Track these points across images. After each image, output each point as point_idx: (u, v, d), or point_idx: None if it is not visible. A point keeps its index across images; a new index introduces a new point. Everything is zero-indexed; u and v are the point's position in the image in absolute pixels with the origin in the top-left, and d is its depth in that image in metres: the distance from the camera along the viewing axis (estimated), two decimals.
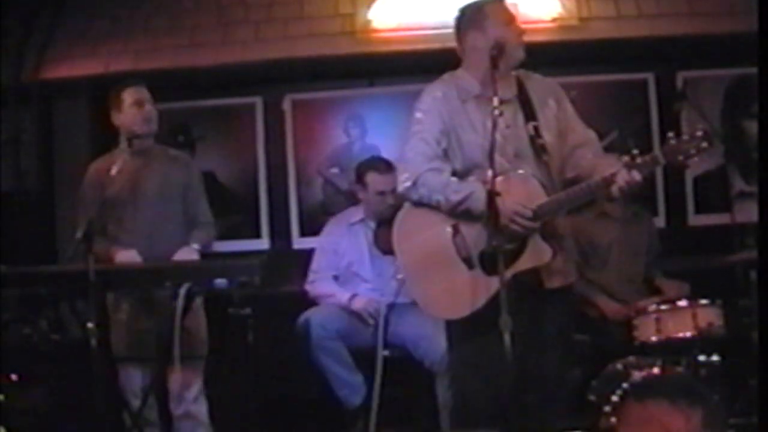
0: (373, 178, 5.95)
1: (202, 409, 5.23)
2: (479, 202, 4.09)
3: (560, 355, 4.36)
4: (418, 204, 4.34)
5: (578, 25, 6.76)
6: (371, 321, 5.73)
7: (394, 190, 5.66)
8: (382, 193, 5.88)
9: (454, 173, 4.31)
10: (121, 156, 5.24)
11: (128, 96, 5.29)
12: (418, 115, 4.38)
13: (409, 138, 4.38)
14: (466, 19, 4.42)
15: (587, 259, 6.01)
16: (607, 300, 5.92)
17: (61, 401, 5.08)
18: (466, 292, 4.22)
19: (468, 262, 4.24)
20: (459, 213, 4.23)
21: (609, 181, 4.04)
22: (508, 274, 3.94)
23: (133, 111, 5.28)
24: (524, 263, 4.12)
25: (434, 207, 4.28)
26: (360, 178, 6.04)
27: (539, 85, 4.43)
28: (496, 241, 3.93)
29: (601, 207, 6.12)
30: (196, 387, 5.21)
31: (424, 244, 4.35)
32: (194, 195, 5.45)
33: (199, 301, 5.23)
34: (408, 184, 4.30)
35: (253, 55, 6.77)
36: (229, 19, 6.91)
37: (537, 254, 4.14)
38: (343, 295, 5.85)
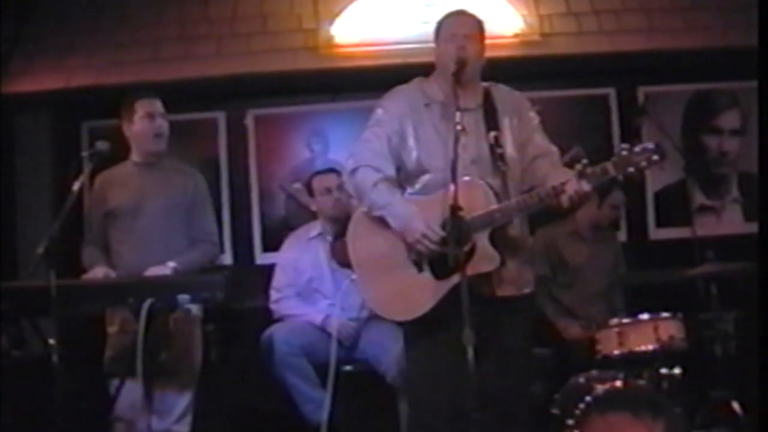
0: (316, 180, 6.07)
1: (184, 429, 5.17)
2: (394, 216, 4.20)
3: (519, 366, 4.33)
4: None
5: (540, 41, 6.81)
6: (346, 343, 5.74)
7: (339, 187, 5.74)
8: (327, 191, 5.97)
9: (405, 174, 4.35)
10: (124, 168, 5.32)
11: (140, 107, 5.26)
12: (379, 111, 4.43)
13: (362, 134, 4.44)
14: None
15: (555, 275, 6.05)
16: (568, 322, 5.95)
17: (22, 418, 5.03)
18: (415, 295, 4.23)
19: (418, 265, 4.25)
20: (374, 216, 4.28)
21: (558, 190, 4.04)
22: (455, 279, 3.96)
23: (144, 123, 5.25)
24: (470, 269, 4.00)
25: None
26: (308, 189, 6.14)
27: (506, 96, 4.45)
28: (449, 247, 3.95)
29: (573, 226, 6.17)
30: (182, 405, 5.16)
31: (377, 244, 4.36)
32: (199, 211, 5.39)
33: (196, 317, 5.22)
34: (347, 173, 4.38)
35: (215, 70, 6.76)
36: (191, 33, 6.90)
37: (484, 261, 4.12)
38: (316, 316, 5.82)
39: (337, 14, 6.82)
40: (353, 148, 4.45)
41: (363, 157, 4.35)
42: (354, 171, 4.33)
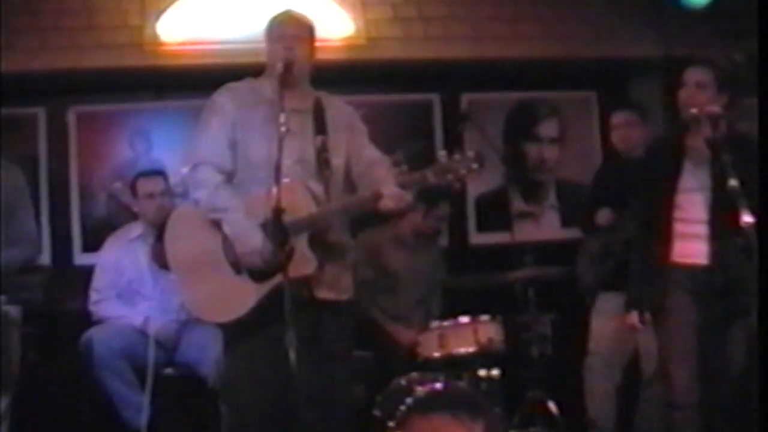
0: (141, 183, 5.97)
1: None
2: (232, 223, 4.17)
3: (339, 369, 4.36)
4: (191, 203, 4.36)
5: (366, 45, 6.85)
6: (167, 345, 5.67)
7: (163, 193, 5.69)
8: (150, 196, 5.90)
9: (232, 170, 4.32)
10: None
11: None
12: (211, 106, 4.39)
13: (198, 127, 4.39)
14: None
15: (377, 280, 6.09)
16: (398, 326, 6.00)
17: None
18: (233, 296, 4.22)
19: (236, 266, 4.23)
20: (211, 219, 4.25)
21: (378, 195, 4.06)
22: (273, 282, 4.00)
23: None
24: (288, 272, 3.98)
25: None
26: (132, 189, 6.03)
27: (337, 107, 4.48)
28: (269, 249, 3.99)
29: (395, 231, 6.21)
30: None
31: (195, 245, 4.34)
32: (17, 208, 5.16)
33: (14, 319, 5.01)
34: (185, 170, 4.33)
35: (37, 63, 6.56)
36: (13, 26, 6.69)
37: (301, 264, 4.09)
38: (135, 318, 5.73)
39: (164, 11, 6.71)
40: (193, 143, 4.38)
41: (202, 154, 4.31)
42: (195, 168, 4.28)
